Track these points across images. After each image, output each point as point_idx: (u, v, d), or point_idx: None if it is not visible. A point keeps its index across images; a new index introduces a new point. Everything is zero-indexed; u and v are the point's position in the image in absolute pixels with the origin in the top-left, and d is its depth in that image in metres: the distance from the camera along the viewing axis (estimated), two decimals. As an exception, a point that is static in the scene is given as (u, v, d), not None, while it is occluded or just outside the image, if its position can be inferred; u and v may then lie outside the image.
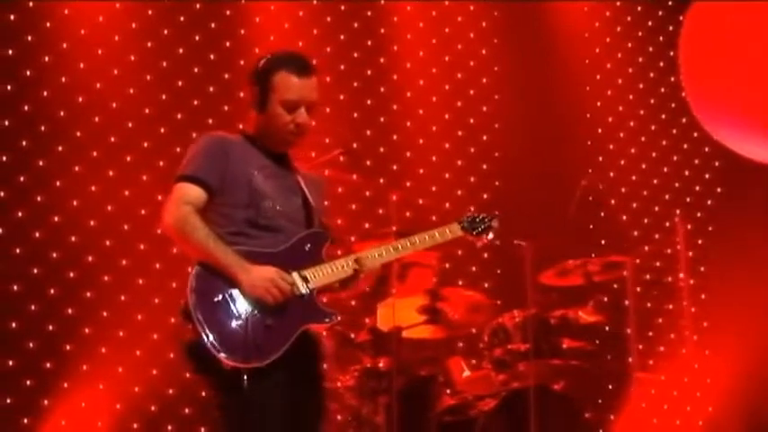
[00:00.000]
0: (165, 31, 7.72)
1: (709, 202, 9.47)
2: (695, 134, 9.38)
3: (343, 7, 8.39)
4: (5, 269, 7.04)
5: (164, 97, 7.62)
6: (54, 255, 7.17)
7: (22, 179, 7.16)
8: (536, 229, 7.22)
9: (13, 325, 7.00)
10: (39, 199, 7.18)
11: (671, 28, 9.44)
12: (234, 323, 3.94)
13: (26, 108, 7.22)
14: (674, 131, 9.49)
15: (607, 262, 7.13)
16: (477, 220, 4.62)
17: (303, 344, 4.10)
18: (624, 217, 9.16)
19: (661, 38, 9.50)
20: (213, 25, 7.89)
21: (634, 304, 7.30)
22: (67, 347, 7.10)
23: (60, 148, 7.28)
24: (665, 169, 9.42)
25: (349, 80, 8.32)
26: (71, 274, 7.19)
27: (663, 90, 9.47)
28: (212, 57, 7.83)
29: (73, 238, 7.23)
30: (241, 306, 3.97)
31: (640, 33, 9.49)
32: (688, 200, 9.39)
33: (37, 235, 7.14)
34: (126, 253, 7.32)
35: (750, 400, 8.61)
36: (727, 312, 8.73)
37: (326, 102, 7.96)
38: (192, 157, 4.21)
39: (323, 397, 4.31)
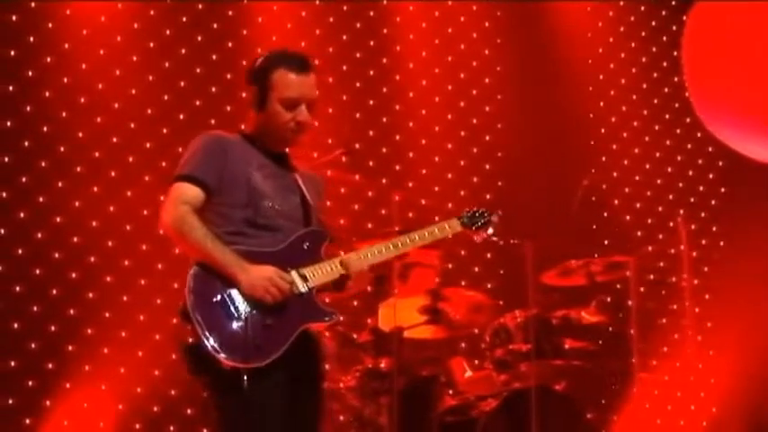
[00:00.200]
0: (167, 32, 7.72)
1: (713, 203, 9.47)
2: (699, 134, 9.37)
3: (345, 7, 8.38)
4: (7, 270, 7.04)
5: (166, 98, 7.61)
6: (56, 255, 7.17)
7: (23, 180, 7.16)
8: (539, 229, 7.22)
9: (15, 325, 6.99)
10: (41, 200, 7.18)
11: (674, 28, 9.43)
12: (233, 323, 3.92)
13: (28, 109, 7.22)
14: (678, 131, 9.47)
15: (610, 262, 7.11)
16: (477, 215, 4.61)
17: (303, 343, 4.08)
18: (628, 217, 9.14)
19: (664, 38, 9.49)
20: (215, 26, 7.88)
21: (637, 304, 7.29)
22: (69, 348, 7.10)
23: (62, 149, 7.28)
24: (669, 169, 9.40)
25: (351, 80, 8.31)
26: (73, 275, 7.20)
27: (666, 90, 9.46)
28: (214, 57, 7.82)
29: (75, 239, 7.23)
30: (240, 306, 3.95)
31: (644, 33, 9.48)
32: (692, 200, 9.39)
33: (39, 236, 7.14)
34: (128, 253, 7.32)
35: (754, 400, 8.59)
36: (731, 312, 8.71)
37: (329, 102, 7.96)
38: (189, 157, 4.19)
39: (322, 397, 4.29)
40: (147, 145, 7.45)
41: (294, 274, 4.07)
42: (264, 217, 4.15)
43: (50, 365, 7.04)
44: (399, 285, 6.36)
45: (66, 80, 7.34)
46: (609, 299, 7.27)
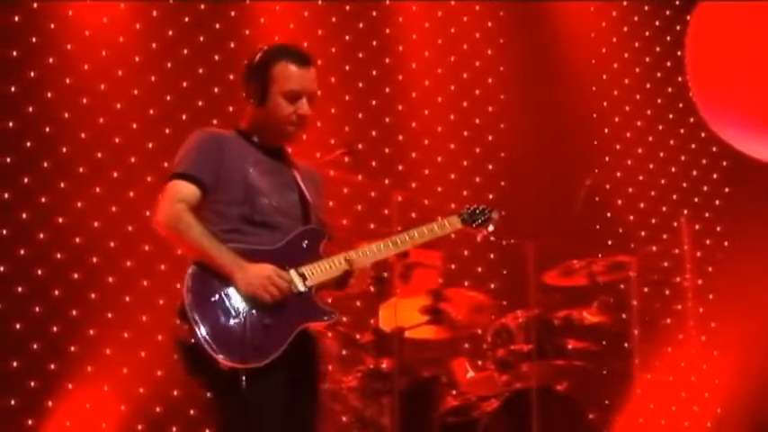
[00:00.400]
0: (170, 32, 7.72)
1: (716, 203, 9.44)
2: (703, 134, 9.35)
3: (348, 7, 8.37)
4: (10, 270, 7.05)
5: (168, 98, 7.61)
6: (58, 256, 7.17)
7: (26, 180, 7.16)
8: (542, 229, 7.20)
9: (18, 326, 6.99)
10: (43, 200, 7.18)
11: (678, 27, 9.41)
12: (231, 323, 3.89)
13: (30, 109, 7.22)
14: (682, 131, 9.45)
15: (612, 262, 7.09)
16: (477, 212, 4.56)
17: (302, 343, 4.05)
18: (631, 217, 9.12)
19: (668, 37, 9.47)
20: (218, 26, 7.88)
21: (640, 305, 7.27)
22: (72, 348, 7.11)
23: (65, 150, 7.28)
24: (673, 169, 9.38)
25: (354, 81, 8.31)
26: (75, 276, 7.19)
27: (670, 90, 9.43)
28: (217, 57, 7.81)
29: (77, 240, 7.23)
30: (238, 305, 3.92)
31: (647, 33, 9.45)
32: (696, 200, 9.37)
33: (41, 236, 7.14)
34: (130, 254, 7.31)
35: (758, 400, 8.56)
36: (735, 313, 8.69)
37: (331, 102, 7.96)
38: (185, 154, 4.16)
39: (321, 397, 4.26)
40: (150, 145, 7.44)
41: (293, 272, 4.03)
42: (261, 214, 4.11)
43: (52, 366, 7.04)
44: (401, 286, 6.35)
45: (68, 81, 7.34)
46: (611, 299, 7.25)
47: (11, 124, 7.17)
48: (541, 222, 7.89)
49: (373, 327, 6.45)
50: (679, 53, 9.36)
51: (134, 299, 7.27)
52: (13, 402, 6.91)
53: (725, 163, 9.43)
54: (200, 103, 7.67)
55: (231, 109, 7.48)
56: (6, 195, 7.11)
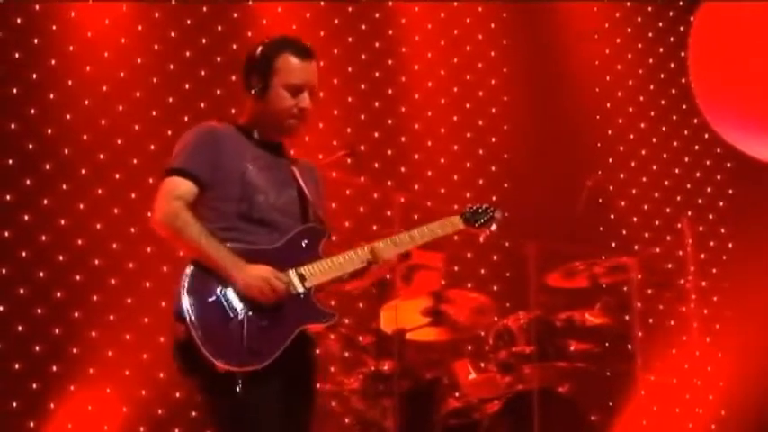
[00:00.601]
0: (172, 34, 7.72)
1: (720, 204, 9.41)
2: (706, 135, 9.33)
3: (350, 9, 8.36)
4: (12, 272, 7.04)
5: (170, 100, 7.60)
6: (60, 258, 7.16)
7: (28, 182, 7.15)
8: (545, 230, 7.18)
9: (20, 328, 6.98)
10: (45, 202, 7.18)
11: (681, 29, 9.39)
12: (228, 325, 3.84)
13: (32, 111, 7.22)
14: (685, 132, 9.44)
15: (615, 264, 7.07)
16: (480, 211, 4.51)
17: (300, 345, 4.01)
18: (635, 219, 9.10)
19: (672, 39, 9.45)
20: (220, 28, 7.87)
21: (643, 306, 7.25)
22: (74, 350, 7.09)
23: (66, 151, 7.28)
24: (676, 171, 9.37)
25: (356, 82, 8.30)
26: (77, 278, 7.19)
27: (673, 91, 9.42)
28: (219, 59, 7.79)
29: (79, 242, 7.22)
30: (236, 307, 3.87)
31: (651, 34, 9.44)
32: (699, 201, 9.35)
33: (43, 238, 7.14)
34: (132, 256, 7.30)
35: (762, 402, 8.54)
36: (739, 314, 8.67)
37: (334, 104, 7.95)
38: (181, 150, 4.09)
39: (316, 400, 4.22)
40: (152, 147, 7.42)
41: (292, 273, 3.99)
42: (259, 211, 4.05)
43: (55, 368, 7.03)
44: (402, 287, 6.34)
45: (70, 82, 7.33)
46: (613, 301, 7.24)
47: (13, 126, 7.16)
48: (544, 224, 7.87)
49: (375, 328, 6.44)
50: (682, 54, 9.34)
51: (136, 301, 7.25)
52: (14, 404, 6.90)
53: (728, 164, 9.41)
54: (202, 105, 7.65)
55: (233, 111, 7.47)
56: (8, 197, 7.10)
